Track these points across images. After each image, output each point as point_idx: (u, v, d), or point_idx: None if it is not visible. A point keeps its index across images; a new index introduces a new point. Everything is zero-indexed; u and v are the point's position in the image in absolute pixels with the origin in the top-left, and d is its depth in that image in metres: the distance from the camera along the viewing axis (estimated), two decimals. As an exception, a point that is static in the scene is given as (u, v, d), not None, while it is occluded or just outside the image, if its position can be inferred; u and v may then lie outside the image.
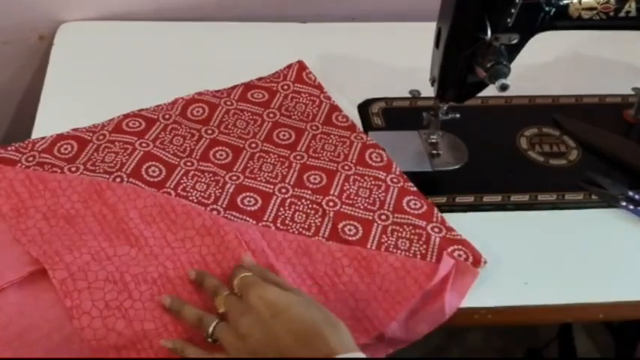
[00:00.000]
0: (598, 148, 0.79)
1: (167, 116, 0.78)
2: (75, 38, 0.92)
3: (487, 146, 0.79)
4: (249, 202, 0.68)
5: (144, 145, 0.73)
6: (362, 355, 0.48)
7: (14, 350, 0.53)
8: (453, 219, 0.68)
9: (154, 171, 0.70)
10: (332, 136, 0.77)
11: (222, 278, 0.58)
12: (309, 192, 0.70)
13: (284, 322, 0.49)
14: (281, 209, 0.68)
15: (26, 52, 0.97)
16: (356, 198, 0.69)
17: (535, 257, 0.66)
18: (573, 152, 0.79)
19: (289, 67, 0.87)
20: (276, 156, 0.74)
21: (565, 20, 0.66)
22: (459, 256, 0.64)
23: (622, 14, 0.66)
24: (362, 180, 0.72)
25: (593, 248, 0.68)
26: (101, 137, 0.74)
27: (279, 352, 0.48)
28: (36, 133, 0.75)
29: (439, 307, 0.59)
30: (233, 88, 0.84)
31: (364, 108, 0.83)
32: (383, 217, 0.68)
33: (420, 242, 0.65)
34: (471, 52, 0.65)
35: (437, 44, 0.68)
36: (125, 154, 0.71)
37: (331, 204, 0.69)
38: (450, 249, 0.64)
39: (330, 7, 1.00)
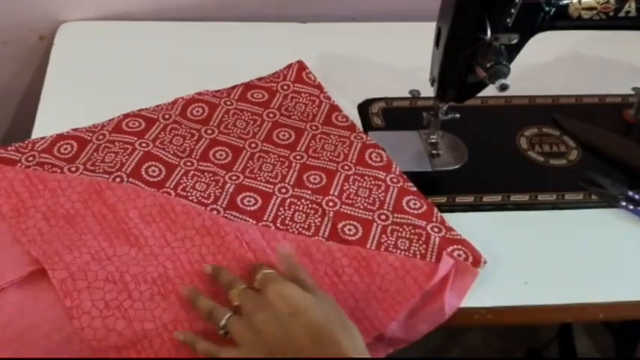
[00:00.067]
0: (598, 148, 0.79)
1: (167, 116, 0.78)
2: (75, 38, 0.92)
3: (487, 146, 0.79)
4: (249, 202, 0.68)
5: (144, 145, 0.73)
6: None
7: (14, 350, 0.54)
8: (452, 219, 0.68)
9: (153, 171, 0.70)
10: (332, 136, 0.77)
11: (212, 279, 0.59)
12: (309, 192, 0.70)
13: (301, 323, 0.49)
14: (281, 209, 0.68)
15: (26, 52, 0.97)
16: (356, 198, 0.69)
17: (535, 257, 0.66)
18: (573, 152, 0.79)
19: (289, 67, 0.87)
20: (276, 156, 0.74)
21: (565, 20, 0.66)
22: (459, 256, 0.64)
23: (622, 14, 0.66)
24: (362, 180, 0.72)
25: (593, 248, 0.68)
26: (101, 137, 0.74)
27: (294, 351, 0.48)
28: (36, 133, 0.75)
29: (439, 307, 0.59)
30: (233, 88, 0.84)
31: (364, 108, 0.83)
32: (383, 217, 0.68)
33: (420, 242, 0.65)
34: (470, 52, 0.65)
35: (437, 44, 0.68)
36: (125, 154, 0.72)
37: (331, 204, 0.69)
38: (449, 249, 0.64)
39: (330, 7, 1.00)
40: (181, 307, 0.57)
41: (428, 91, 0.74)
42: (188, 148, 0.74)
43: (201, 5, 0.98)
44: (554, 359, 1.16)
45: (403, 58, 0.88)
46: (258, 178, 0.71)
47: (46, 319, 0.55)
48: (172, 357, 0.55)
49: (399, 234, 0.66)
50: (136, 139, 0.74)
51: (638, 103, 0.84)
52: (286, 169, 0.73)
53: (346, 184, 0.71)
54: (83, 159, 0.71)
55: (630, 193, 0.72)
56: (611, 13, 0.66)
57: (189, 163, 0.72)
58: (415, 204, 0.69)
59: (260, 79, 0.86)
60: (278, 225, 0.66)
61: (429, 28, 0.69)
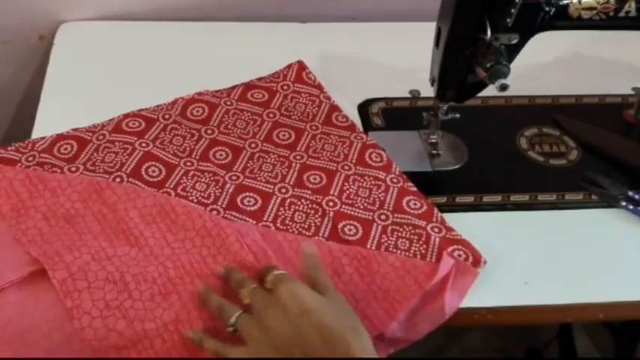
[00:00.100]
0: (598, 148, 0.79)
1: (167, 116, 0.78)
2: (75, 38, 0.92)
3: (487, 146, 0.79)
4: (249, 202, 0.68)
5: (144, 145, 0.73)
6: None
7: (14, 350, 0.53)
8: (453, 219, 0.68)
9: (153, 171, 0.70)
10: (332, 136, 0.77)
11: (222, 280, 0.59)
12: (309, 192, 0.70)
13: (311, 322, 0.49)
14: (281, 209, 0.68)
15: (26, 52, 0.97)
16: (356, 198, 0.69)
17: (535, 257, 0.66)
18: (573, 152, 0.79)
19: (289, 67, 0.87)
20: (276, 156, 0.74)
21: (565, 20, 0.66)
22: (459, 256, 0.64)
23: (622, 14, 0.66)
24: (362, 180, 0.72)
25: (593, 248, 0.68)
26: (101, 137, 0.74)
27: (303, 349, 0.48)
28: (36, 133, 0.75)
29: (439, 307, 0.59)
30: (233, 88, 0.84)
31: (364, 108, 0.83)
32: (383, 217, 0.68)
33: (420, 242, 0.65)
34: (470, 52, 0.65)
35: (437, 44, 0.68)
36: (125, 154, 0.72)
37: (331, 204, 0.69)
38: (449, 249, 0.64)
39: (330, 7, 1.00)
40: (182, 307, 0.57)
41: (428, 91, 0.74)
42: (188, 148, 0.74)
43: (201, 5, 0.98)
44: (554, 359, 1.16)
45: (403, 58, 0.88)
46: (258, 178, 0.71)
47: (47, 319, 0.55)
48: (173, 357, 0.55)
49: (399, 234, 0.66)
50: (136, 139, 0.74)
51: (638, 103, 0.84)
52: (286, 169, 0.73)
53: (346, 184, 0.71)
54: (83, 159, 0.71)
55: (630, 193, 0.72)
56: (611, 13, 0.66)
57: (189, 163, 0.72)
58: (415, 204, 0.69)
59: (260, 79, 0.86)
60: (278, 225, 0.66)
61: (429, 28, 0.69)
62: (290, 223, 0.66)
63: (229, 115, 0.79)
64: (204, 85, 0.83)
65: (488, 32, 0.63)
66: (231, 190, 0.69)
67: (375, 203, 0.69)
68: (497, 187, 0.73)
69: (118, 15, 0.96)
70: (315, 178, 0.72)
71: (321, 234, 0.66)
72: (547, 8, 0.65)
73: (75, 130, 0.74)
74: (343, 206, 0.69)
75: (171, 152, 0.73)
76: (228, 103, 0.81)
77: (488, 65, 0.63)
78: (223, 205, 0.68)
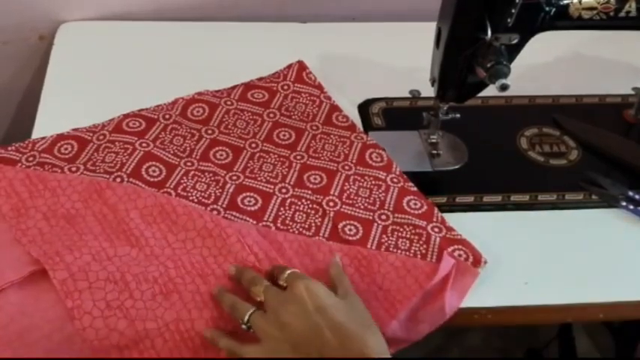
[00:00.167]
0: (598, 148, 0.79)
1: (167, 116, 0.78)
2: (75, 38, 0.92)
3: (487, 146, 0.79)
4: (249, 202, 0.68)
5: (144, 145, 0.73)
6: None
7: (14, 350, 0.53)
8: (453, 219, 0.68)
9: (154, 171, 0.70)
10: (332, 136, 0.77)
11: (224, 280, 0.59)
12: (310, 192, 0.70)
13: (327, 318, 0.50)
14: (281, 209, 0.68)
15: (26, 52, 0.97)
16: (356, 198, 0.69)
17: (535, 257, 0.66)
18: (573, 152, 0.79)
19: (289, 67, 0.87)
20: (276, 156, 0.74)
21: (565, 20, 0.66)
22: (460, 255, 0.64)
23: (622, 14, 0.66)
24: (362, 180, 0.72)
25: (593, 248, 0.68)
26: (101, 137, 0.74)
27: (319, 345, 0.49)
28: (36, 133, 0.75)
29: (439, 306, 0.59)
30: (233, 88, 0.84)
31: (364, 108, 0.83)
32: (383, 217, 0.68)
33: (421, 242, 0.65)
34: (471, 52, 0.65)
35: (437, 44, 0.68)
36: (125, 154, 0.72)
37: (331, 204, 0.69)
38: (450, 249, 0.64)
39: (330, 7, 1.00)
40: (183, 307, 0.57)
41: (428, 91, 0.74)
42: (188, 148, 0.74)
43: (201, 5, 0.98)
44: (554, 359, 1.16)
45: (403, 58, 0.88)
46: (259, 178, 0.71)
47: (47, 319, 0.55)
48: (174, 356, 0.55)
49: (400, 234, 0.66)
50: (136, 139, 0.74)
51: (638, 103, 0.84)
52: (287, 169, 0.73)
53: (347, 184, 0.71)
54: (83, 159, 0.71)
55: (630, 193, 0.72)
56: (612, 13, 0.66)
57: (189, 163, 0.72)
58: (416, 204, 0.69)
59: (260, 79, 0.86)
60: (278, 225, 0.66)
61: (429, 28, 0.69)
62: (290, 223, 0.66)
63: (229, 115, 0.79)
64: (204, 85, 0.83)
65: (489, 32, 0.63)
66: (231, 190, 0.69)
67: (375, 203, 0.69)
68: (497, 187, 0.73)
69: (118, 15, 0.96)
70: (315, 178, 0.72)
71: (321, 234, 0.66)
72: (547, 8, 0.65)
73: (75, 130, 0.74)
74: (343, 206, 0.69)
75: (172, 152, 0.73)
76: (229, 103, 0.81)
77: (488, 65, 0.63)
78: (224, 205, 0.68)
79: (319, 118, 0.80)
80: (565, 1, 0.65)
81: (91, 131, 0.74)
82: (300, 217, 0.67)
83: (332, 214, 0.68)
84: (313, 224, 0.67)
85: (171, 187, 0.69)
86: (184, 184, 0.69)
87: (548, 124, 0.83)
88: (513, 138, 0.80)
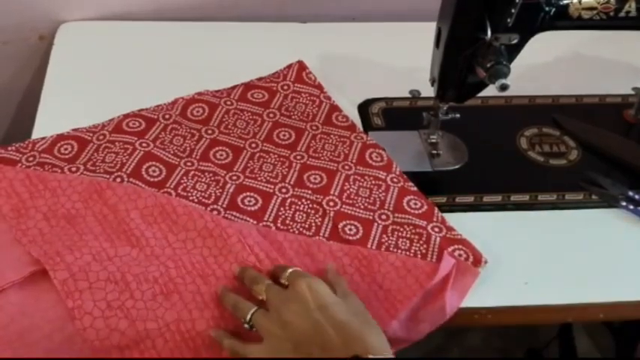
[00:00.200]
0: (598, 148, 0.79)
1: (167, 116, 0.78)
2: (75, 38, 0.92)
3: (487, 146, 0.79)
4: (249, 202, 0.68)
5: (144, 145, 0.73)
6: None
7: (15, 350, 0.53)
8: (453, 219, 0.68)
9: (154, 171, 0.70)
10: (332, 135, 0.77)
11: (224, 280, 0.59)
12: (310, 192, 0.70)
13: (329, 316, 0.50)
14: (281, 209, 0.68)
15: (26, 52, 0.97)
16: (356, 198, 0.70)
17: (535, 257, 0.66)
18: (573, 152, 0.79)
19: (289, 67, 0.87)
20: (276, 156, 0.74)
21: (565, 20, 0.66)
22: (460, 255, 0.64)
23: (622, 14, 0.66)
24: (362, 180, 0.72)
25: (593, 248, 0.68)
26: (101, 137, 0.74)
27: (322, 343, 0.49)
28: (36, 133, 0.75)
29: (440, 306, 0.59)
30: (233, 88, 0.84)
31: (364, 108, 0.83)
32: (383, 216, 0.68)
33: (421, 242, 0.65)
34: (471, 52, 0.65)
35: (437, 44, 0.68)
36: (125, 154, 0.72)
37: (331, 204, 0.69)
38: (450, 248, 0.64)
39: (330, 7, 1.00)
40: (184, 307, 0.57)
41: (428, 91, 0.74)
42: (188, 148, 0.74)
43: (201, 5, 0.98)
44: (554, 359, 1.16)
45: (403, 58, 0.88)
46: (259, 178, 0.71)
47: (48, 319, 0.55)
48: (175, 357, 0.55)
49: (400, 234, 0.66)
50: (136, 139, 0.74)
51: (638, 103, 0.84)
52: (287, 169, 0.73)
53: (347, 183, 0.71)
54: (83, 159, 0.71)
55: (630, 193, 0.72)
56: (612, 13, 0.66)
57: (189, 163, 0.72)
58: (416, 204, 0.69)
59: (260, 79, 0.86)
60: (279, 225, 0.66)
61: (429, 28, 0.69)
62: (291, 223, 0.66)
63: (229, 115, 0.79)
64: (204, 85, 0.83)
65: (489, 32, 0.63)
66: (231, 190, 0.69)
67: (375, 203, 0.69)
68: (497, 187, 0.73)
69: (118, 15, 0.96)
70: (315, 178, 0.72)
71: (321, 234, 0.66)
72: (547, 8, 0.65)
73: (75, 130, 0.74)
74: (344, 206, 0.69)
75: (172, 152, 0.73)
76: (229, 103, 0.81)
77: (488, 65, 0.63)
78: (224, 205, 0.68)
79: (319, 118, 0.80)
80: (565, 1, 0.65)
81: (91, 131, 0.74)
82: (300, 216, 0.67)
83: (332, 214, 0.68)
84: (313, 224, 0.67)
85: (172, 187, 0.69)
86: (184, 184, 0.69)
87: (548, 124, 0.83)
88: (513, 138, 0.80)
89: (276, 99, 0.82)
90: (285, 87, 0.84)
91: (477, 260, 0.64)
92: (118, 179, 0.68)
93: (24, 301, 0.56)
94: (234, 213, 0.67)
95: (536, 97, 0.87)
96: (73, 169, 0.69)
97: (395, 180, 0.72)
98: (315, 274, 0.60)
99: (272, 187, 0.70)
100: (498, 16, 0.63)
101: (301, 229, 0.66)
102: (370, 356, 0.46)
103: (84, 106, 0.79)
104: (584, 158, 0.78)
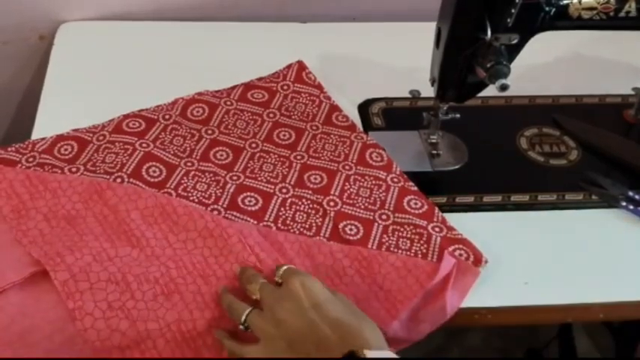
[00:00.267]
0: (598, 148, 0.79)
1: (167, 116, 0.78)
2: (75, 38, 0.92)
3: (487, 146, 0.79)
4: (249, 202, 0.68)
5: (144, 145, 0.73)
6: (394, 355, 0.48)
7: (15, 351, 0.53)
8: (453, 219, 0.68)
9: (154, 171, 0.70)
10: (332, 135, 0.77)
11: (225, 281, 0.59)
12: (310, 192, 0.70)
13: (324, 314, 0.50)
14: (282, 209, 0.68)
15: (26, 52, 0.97)
16: (357, 198, 0.70)
17: (535, 257, 0.66)
18: (573, 152, 0.79)
19: (289, 67, 0.87)
20: (276, 156, 0.74)
21: (565, 20, 0.66)
22: (460, 255, 0.64)
23: (622, 14, 0.66)
24: (362, 180, 0.72)
25: (593, 248, 0.68)
26: (101, 138, 0.74)
27: (317, 341, 0.48)
28: (36, 134, 0.75)
29: (441, 306, 0.59)
30: (233, 88, 0.84)
31: (364, 108, 0.83)
32: (384, 216, 0.68)
33: (421, 242, 0.65)
34: (471, 52, 0.66)
35: (437, 44, 0.68)
36: (125, 154, 0.71)
37: (332, 204, 0.69)
38: (450, 248, 0.64)
39: (330, 7, 1.00)
40: (185, 307, 0.57)
41: (428, 91, 0.74)
42: (188, 149, 0.74)
43: (201, 5, 0.98)
44: (554, 359, 1.16)
45: (403, 58, 0.88)
46: (259, 178, 0.71)
47: (48, 320, 0.55)
48: (176, 357, 0.55)
49: (400, 234, 0.66)
50: (136, 139, 0.74)
51: (638, 103, 0.84)
52: (287, 169, 0.73)
53: (347, 183, 0.71)
54: (83, 160, 0.71)
55: (630, 193, 0.72)
56: (612, 13, 0.66)
57: (189, 164, 0.72)
58: (416, 204, 0.69)
59: (260, 79, 0.86)
60: (279, 225, 0.66)
61: (429, 28, 0.69)
62: (291, 223, 0.66)
63: (229, 116, 0.79)
64: (204, 85, 0.83)
65: (489, 32, 0.63)
66: (232, 190, 0.69)
67: (375, 203, 0.69)
68: (497, 187, 0.73)
69: (118, 15, 0.96)
70: (315, 178, 0.72)
71: (322, 234, 0.66)
72: (547, 8, 0.65)
73: (75, 130, 0.74)
74: (344, 206, 0.69)
75: (172, 152, 0.73)
76: (229, 103, 0.81)
77: (488, 65, 0.63)
78: (224, 205, 0.68)
79: (319, 118, 0.80)
80: (565, 1, 0.65)
81: (90, 132, 0.74)
82: (300, 217, 0.67)
83: (332, 214, 0.68)
84: (314, 224, 0.67)
85: (172, 187, 0.69)
86: (185, 185, 0.69)
87: (548, 124, 0.83)
88: (513, 138, 0.80)
89: (276, 99, 0.82)
90: (285, 87, 0.84)
91: (478, 260, 0.64)
92: (119, 180, 0.68)
93: (24, 302, 0.56)
94: (235, 213, 0.67)
95: (536, 97, 0.87)
96: (73, 169, 0.69)
97: (395, 180, 0.72)
98: (315, 274, 0.60)
99: (272, 187, 0.70)
100: (498, 16, 0.63)
101: (302, 230, 0.66)
102: (366, 351, 0.46)
103: (84, 106, 0.79)
104: (584, 158, 0.78)
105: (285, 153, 0.75)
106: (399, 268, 0.61)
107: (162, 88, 0.82)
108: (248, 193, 0.69)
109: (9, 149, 0.71)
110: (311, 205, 0.69)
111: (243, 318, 0.53)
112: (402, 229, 0.66)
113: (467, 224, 0.67)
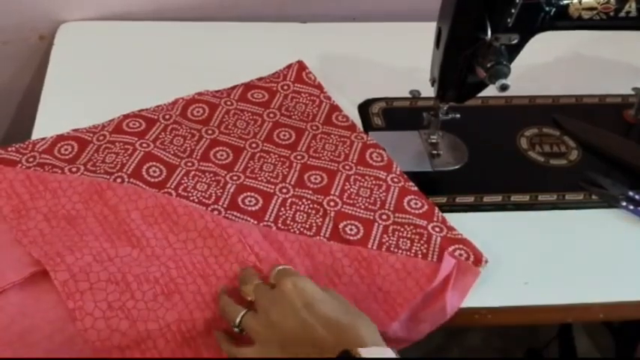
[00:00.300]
0: (598, 148, 0.79)
1: (167, 116, 0.78)
2: (75, 38, 0.92)
3: (487, 146, 0.79)
4: (250, 202, 0.68)
5: (144, 145, 0.73)
6: (391, 353, 0.48)
7: (15, 351, 0.53)
8: (453, 219, 0.68)
9: (154, 171, 0.70)
10: (332, 135, 0.77)
11: (225, 280, 0.59)
12: (310, 192, 0.70)
13: (318, 314, 0.49)
14: (282, 209, 0.68)
15: (26, 52, 0.97)
16: (357, 198, 0.70)
17: (535, 257, 0.66)
18: (573, 152, 0.79)
19: (289, 67, 0.87)
20: (276, 156, 0.74)
21: (565, 20, 0.66)
22: (460, 255, 0.64)
23: (622, 14, 0.66)
24: (363, 180, 0.72)
25: (593, 248, 0.68)
26: (101, 138, 0.74)
27: (312, 341, 0.48)
28: (36, 134, 0.75)
29: (441, 306, 0.59)
30: (233, 88, 0.84)
31: (364, 108, 0.83)
32: (384, 216, 0.68)
33: (421, 242, 0.65)
34: (471, 52, 0.66)
35: (437, 44, 0.68)
36: (125, 154, 0.72)
37: (332, 204, 0.69)
38: (451, 248, 0.64)
39: (330, 7, 1.00)
40: (185, 307, 0.57)
41: (428, 91, 0.74)
42: (189, 149, 0.74)
43: (201, 5, 0.98)
44: (554, 359, 1.16)
45: (403, 58, 0.88)
46: (259, 178, 0.71)
47: (48, 320, 0.55)
48: (176, 357, 0.55)
49: (401, 234, 0.66)
50: (136, 139, 0.74)
51: (638, 103, 0.84)
52: (287, 169, 0.73)
53: (347, 183, 0.71)
54: (84, 160, 0.71)
55: (630, 193, 0.72)
56: (612, 13, 0.66)
57: (189, 164, 0.72)
58: (416, 204, 0.69)
59: (260, 79, 0.86)
60: (279, 225, 0.66)
61: (429, 28, 0.69)
62: (291, 223, 0.66)
63: (230, 116, 0.79)
64: (204, 85, 0.83)
65: (489, 32, 0.63)
66: (232, 190, 0.69)
67: (376, 203, 0.69)
68: (497, 187, 0.73)
69: (118, 15, 0.96)
70: (316, 178, 0.72)
71: (322, 234, 0.66)
72: (547, 8, 0.65)
73: (75, 130, 0.74)
74: (344, 206, 0.69)
75: (172, 152, 0.73)
76: (229, 103, 0.81)
77: (488, 65, 0.63)
78: (224, 205, 0.68)
79: (319, 118, 0.80)
80: (565, 1, 0.65)
81: (91, 132, 0.74)
82: (300, 217, 0.67)
83: (333, 214, 0.68)
84: (314, 224, 0.67)
85: (172, 187, 0.69)
86: (185, 185, 0.69)
87: (548, 124, 0.83)
88: (513, 138, 0.80)
89: (276, 99, 0.82)
90: (285, 87, 0.84)
91: (478, 260, 0.64)
92: (119, 180, 0.68)
93: (24, 302, 0.56)
94: (235, 213, 0.67)
95: (536, 97, 0.87)
96: (74, 169, 0.69)
97: (395, 180, 0.72)
98: (315, 274, 0.61)
99: (272, 187, 0.70)
100: (498, 16, 0.63)
101: (302, 230, 0.66)
102: (360, 350, 0.46)
103: (84, 106, 0.79)
104: (584, 158, 0.78)
105: (286, 153, 0.75)
106: (398, 270, 0.61)
107: (162, 88, 0.82)
108: (248, 193, 0.69)
109: (9, 149, 0.71)
110: (311, 205, 0.69)
111: (237, 321, 0.53)
112: (402, 229, 0.66)
113: (467, 224, 0.67)
